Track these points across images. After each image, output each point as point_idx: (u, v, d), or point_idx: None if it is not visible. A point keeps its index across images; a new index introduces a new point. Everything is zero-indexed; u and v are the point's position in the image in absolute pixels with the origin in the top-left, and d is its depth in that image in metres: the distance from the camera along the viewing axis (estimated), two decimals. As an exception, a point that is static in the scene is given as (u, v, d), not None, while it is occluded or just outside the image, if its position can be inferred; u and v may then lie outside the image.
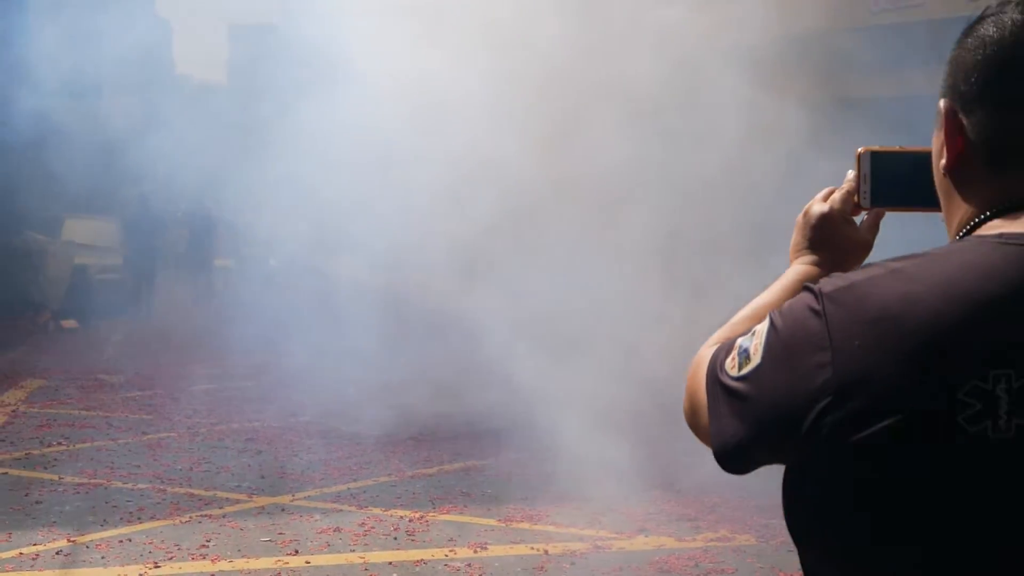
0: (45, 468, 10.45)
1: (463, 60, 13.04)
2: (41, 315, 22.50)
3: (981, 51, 1.77)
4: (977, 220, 1.79)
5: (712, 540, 8.21)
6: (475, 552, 7.93)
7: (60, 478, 10.06)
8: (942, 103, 1.82)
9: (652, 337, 12.26)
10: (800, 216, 2.21)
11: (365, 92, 13.32)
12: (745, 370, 1.81)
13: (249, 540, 8.20)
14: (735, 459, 1.94)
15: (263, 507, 9.12)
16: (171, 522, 8.72)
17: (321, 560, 7.76)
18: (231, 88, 55.75)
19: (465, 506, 9.12)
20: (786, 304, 1.80)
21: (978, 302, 1.64)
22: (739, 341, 1.86)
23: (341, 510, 8.99)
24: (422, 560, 7.76)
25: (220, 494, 9.56)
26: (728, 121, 12.04)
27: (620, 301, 12.41)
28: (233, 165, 15.36)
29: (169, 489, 9.71)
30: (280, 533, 8.34)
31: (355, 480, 9.90)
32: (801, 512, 1.85)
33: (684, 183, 12.35)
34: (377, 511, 8.93)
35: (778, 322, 1.78)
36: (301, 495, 9.41)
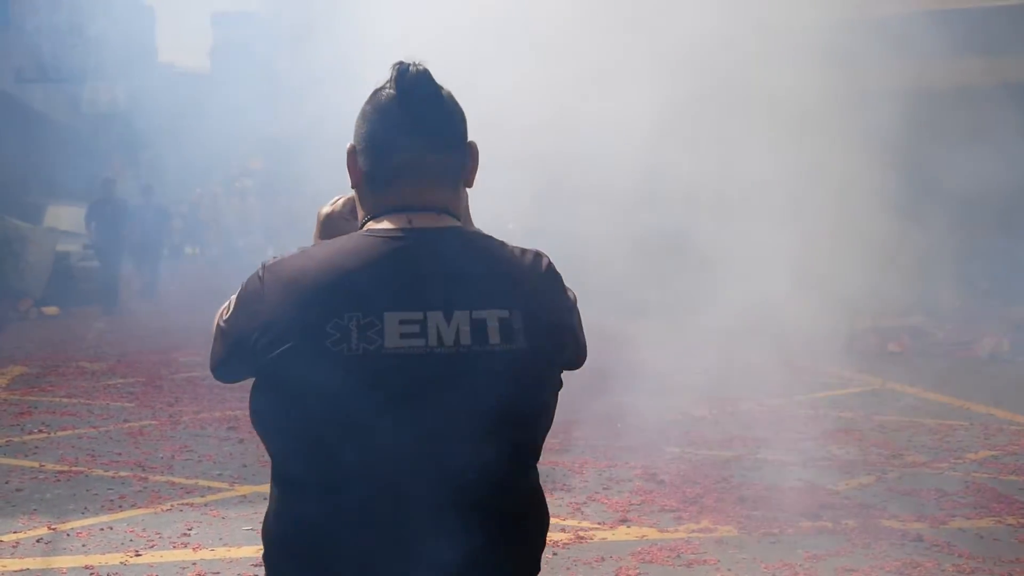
0: (26, 455, 10.43)
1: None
2: (22, 302, 22.44)
3: (364, 115, 2.91)
4: (365, 221, 2.89)
5: (694, 531, 8.21)
6: (457, 542, 7.92)
7: (41, 465, 10.04)
8: (348, 145, 2.94)
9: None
10: (317, 214, 3.23)
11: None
12: (227, 316, 2.84)
13: (231, 529, 8.19)
14: (220, 371, 2.93)
15: (245, 495, 9.11)
16: (152, 510, 8.71)
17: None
18: (214, 75, 55.62)
19: (447, 496, 9.11)
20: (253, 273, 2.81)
21: (342, 269, 2.70)
22: (231, 298, 2.85)
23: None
24: (404, 549, 7.75)
25: (202, 482, 9.54)
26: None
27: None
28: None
29: (150, 477, 9.69)
30: (262, 522, 8.33)
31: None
32: (257, 410, 2.78)
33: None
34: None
35: (243, 285, 2.82)
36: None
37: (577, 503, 8.89)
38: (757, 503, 8.89)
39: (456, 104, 2.92)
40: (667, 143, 12.87)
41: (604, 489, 9.31)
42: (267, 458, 2.86)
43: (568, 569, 7.42)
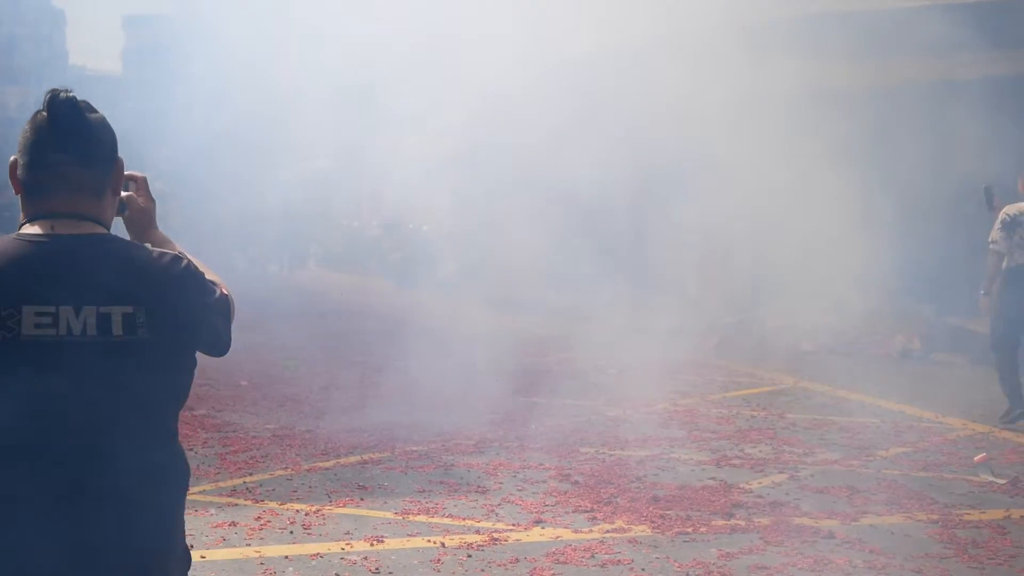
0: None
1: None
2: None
3: (23, 133, 3.36)
4: (22, 224, 3.33)
5: (608, 531, 8.24)
6: (371, 545, 7.90)
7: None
8: (11, 159, 3.39)
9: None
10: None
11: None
12: None
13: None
14: None
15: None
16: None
17: (216, 555, 7.70)
18: (126, 78, 55.12)
19: (362, 499, 9.08)
20: None
21: (2, 269, 3.18)
22: None
23: (236, 504, 8.92)
24: (318, 553, 7.72)
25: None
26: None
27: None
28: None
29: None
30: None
31: (251, 474, 9.83)
32: None
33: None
34: (273, 505, 8.88)
35: None
36: (196, 490, 9.31)
37: (491, 505, 8.89)
38: (671, 502, 8.93)
39: (103, 126, 3.42)
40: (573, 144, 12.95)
41: (518, 491, 9.32)
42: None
43: (483, 571, 7.42)
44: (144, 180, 3.79)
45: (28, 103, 37.09)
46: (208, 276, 3.53)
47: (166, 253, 3.41)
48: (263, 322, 20.48)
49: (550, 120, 14.80)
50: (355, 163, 27.65)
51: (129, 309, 3.23)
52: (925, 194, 17.67)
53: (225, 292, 3.55)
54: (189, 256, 3.49)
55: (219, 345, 3.56)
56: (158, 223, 3.85)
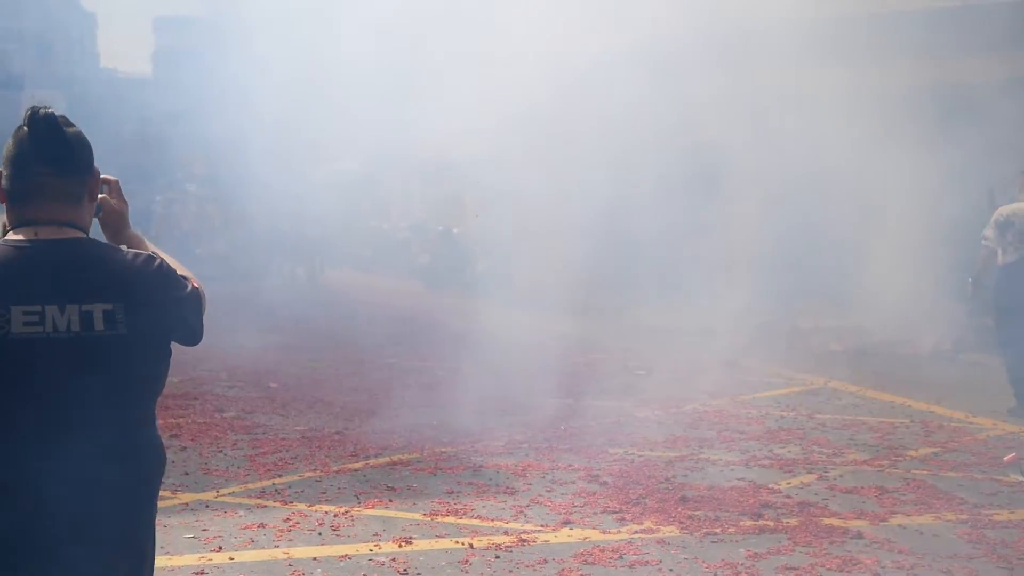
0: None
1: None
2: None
3: (6, 147, 3.68)
4: (7, 231, 3.67)
5: (637, 532, 8.24)
6: (400, 546, 7.92)
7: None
8: None
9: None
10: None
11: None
12: None
13: (172, 537, 8.15)
14: None
15: (187, 504, 9.07)
16: (93, 519, 8.65)
17: (245, 556, 7.73)
18: (157, 80, 55.26)
19: (390, 500, 9.10)
20: None
21: None
22: None
23: (265, 506, 8.95)
24: (347, 555, 7.74)
25: (144, 491, 9.49)
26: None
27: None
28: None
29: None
30: (204, 530, 8.30)
31: (279, 476, 9.86)
32: None
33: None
34: (302, 506, 8.90)
35: None
36: (225, 491, 9.36)
37: (520, 506, 8.90)
38: (699, 503, 8.92)
39: (80, 139, 3.77)
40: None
41: (547, 492, 9.32)
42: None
43: (511, 572, 7.43)
44: (117, 183, 4.10)
45: (61, 107, 37.19)
46: (180, 272, 3.88)
47: (140, 253, 3.78)
48: (291, 325, 20.55)
49: (583, 119, 14.83)
50: (385, 165, 27.70)
51: (109, 306, 3.59)
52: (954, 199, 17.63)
53: (196, 286, 3.89)
54: (162, 255, 3.88)
55: (192, 336, 3.90)
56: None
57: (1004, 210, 12.65)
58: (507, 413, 12.20)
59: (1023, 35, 17.98)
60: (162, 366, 3.81)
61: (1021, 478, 9.74)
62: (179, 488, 9.51)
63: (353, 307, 24.75)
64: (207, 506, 8.94)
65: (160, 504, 8.86)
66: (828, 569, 7.42)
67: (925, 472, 10.03)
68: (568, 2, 15.62)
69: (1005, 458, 10.28)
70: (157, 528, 8.24)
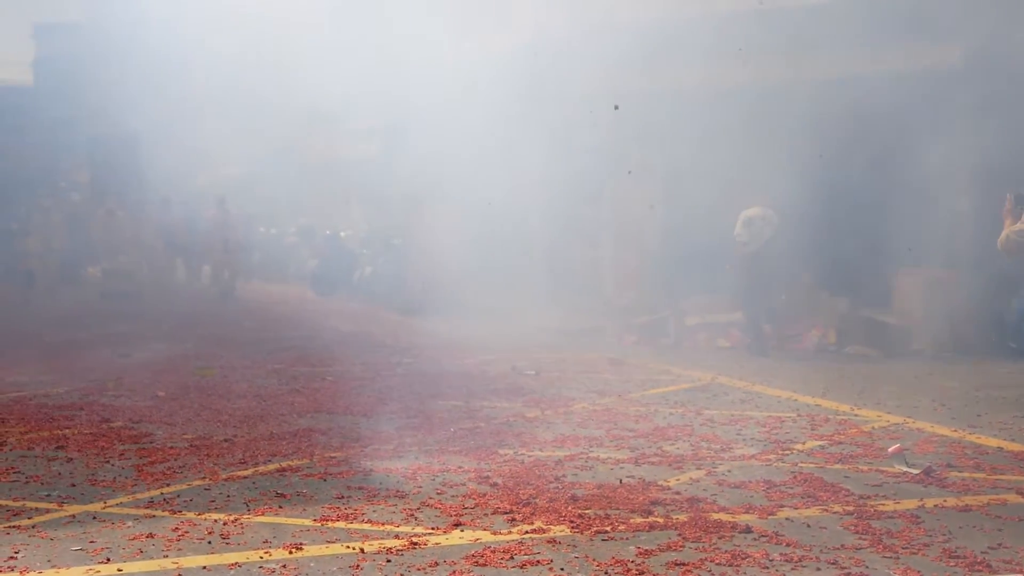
0: None
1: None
2: None
3: None
4: None
5: (527, 532, 8.25)
6: (290, 553, 7.87)
7: None
8: None
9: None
10: None
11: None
12: None
13: (59, 550, 8.04)
14: None
15: (74, 516, 8.95)
16: (-23, 534, 8.52)
17: (134, 567, 7.64)
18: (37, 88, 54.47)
19: (280, 507, 9.04)
20: None
21: None
22: None
23: (154, 516, 8.85)
24: (237, 563, 7.68)
25: (29, 504, 9.36)
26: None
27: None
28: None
29: (-25, 501, 9.48)
30: (92, 541, 8.20)
31: (168, 485, 9.76)
32: None
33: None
34: (191, 515, 8.82)
35: None
36: (113, 502, 9.25)
37: (411, 509, 8.89)
38: (589, 502, 8.96)
39: None
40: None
41: (437, 494, 9.31)
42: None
43: (402, 575, 7.42)
44: None
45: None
46: None
47: None
48: (178, 332, 20.37)
49: (468, 124, 14.83)
50: (271, 168, 27.54)
51: None
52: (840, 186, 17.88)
53: None
54: None
55: None
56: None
57: None
58: (397, 416, 12.18)
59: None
60: None
61: (905, 468, 9.90)
62: (66, 500, 9.38)
63: (241, 313, 24.58)
64: (94, 517, 8.83)
65: (46, 517, 8.79)
66: (717, 564, 7.48)
67: (812, 465, 10.16)
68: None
69: (890, 449, 10.46)
70: (43, 541, 8.15)
